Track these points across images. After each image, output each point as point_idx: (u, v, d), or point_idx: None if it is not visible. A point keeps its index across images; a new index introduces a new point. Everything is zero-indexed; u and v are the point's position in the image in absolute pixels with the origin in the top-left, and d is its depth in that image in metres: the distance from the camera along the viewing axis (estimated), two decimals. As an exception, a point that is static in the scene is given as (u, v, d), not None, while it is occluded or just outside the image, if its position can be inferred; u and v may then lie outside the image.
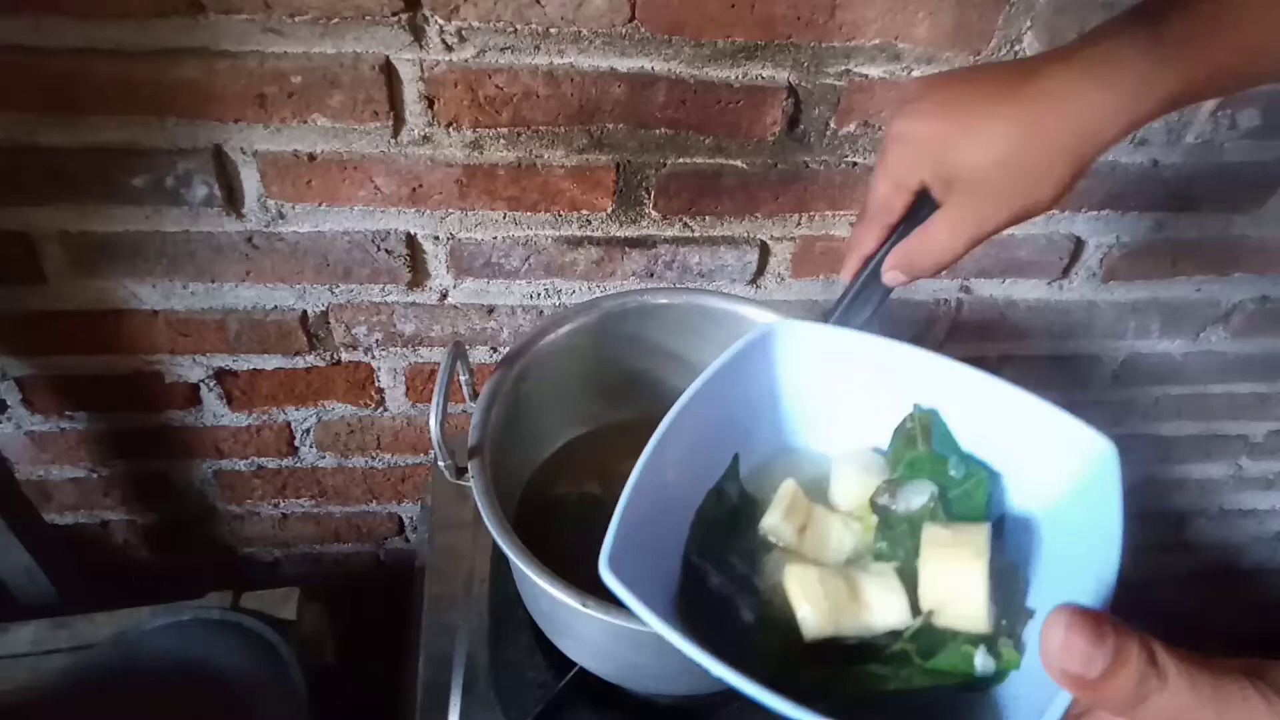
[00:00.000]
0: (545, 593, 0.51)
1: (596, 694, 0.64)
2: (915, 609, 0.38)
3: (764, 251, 0.82)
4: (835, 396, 0.46)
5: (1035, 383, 0.40)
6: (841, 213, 0.79)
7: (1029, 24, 0.69)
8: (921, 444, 0.43)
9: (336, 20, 0.63)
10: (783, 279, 0.84)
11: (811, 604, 0.38)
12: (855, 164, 0.76)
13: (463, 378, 0.64)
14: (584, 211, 0.77)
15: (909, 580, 0.39)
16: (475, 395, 0.63)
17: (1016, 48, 0.70)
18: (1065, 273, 0.88)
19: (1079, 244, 0.85)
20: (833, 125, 0.73)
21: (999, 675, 0.36)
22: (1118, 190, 0.81)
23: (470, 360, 0.84)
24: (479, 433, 0.59)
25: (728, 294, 0.69)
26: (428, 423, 0.55)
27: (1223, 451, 1.12)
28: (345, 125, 0.69)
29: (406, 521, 1.05)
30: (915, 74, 0.71)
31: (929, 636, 0.37)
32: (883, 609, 0.38)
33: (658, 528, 0.41)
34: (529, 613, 0.65)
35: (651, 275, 0.82)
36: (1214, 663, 0.27)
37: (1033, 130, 0.42)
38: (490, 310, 0.83)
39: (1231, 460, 1.13)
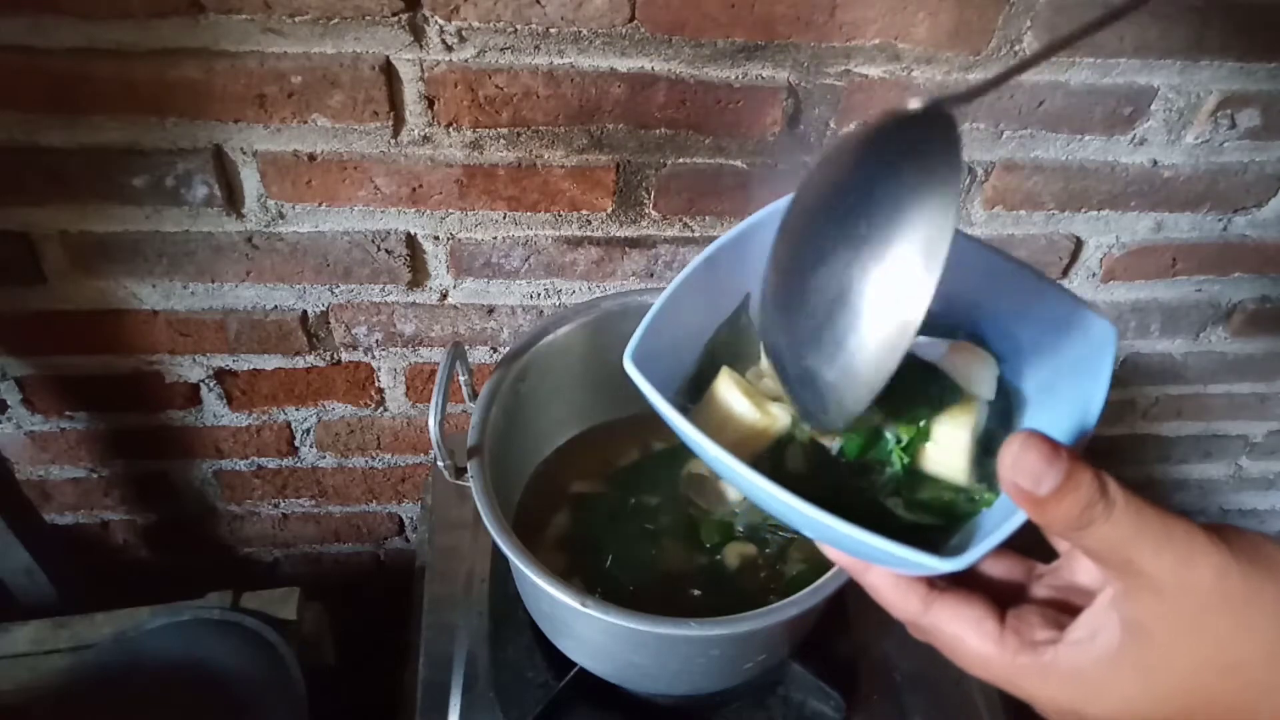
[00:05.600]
0: (545, 593, 0.51)
1: (596, 694, 0.64)
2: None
3: (764, 251, 0.82)
4: None
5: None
6: (841, 213, 0.79)
7: (1029, 24, 0.68)
8: None
9: (336, 20, 0.63)
10: (783, 279, 0.84)
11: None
12: (855, 164, 0.76)
13: (462, 378, 0.64)
14: (584, 211, 0.77)
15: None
16: (475, 395, 0.63)
17: (1016, 48, 0.70)
18: (1065, 273, 0.88)
19: (1079, 244, 0.85)
20: (833, 125, 0.73)
21: (971, 513, 0.39)
22: (1118, 190, 0.81)
23: (470, 360, 0.84)
24: (478, 433, 0.59)
25: (728, 294, 0.69)
26: (427, 423, 0.55)
27: (1223, 451, 1.12)
28: (345, 125, 0.69)
29: (406, 521, 1.05)
30: (915, 74, 0.71)
31: (916, 479, 0.40)
32: None
33: (670, 351, 0.43)
34: (529, 613, 0.65)
35: (651, 275, 0.82)
36: (1165, 508, 0.28)
37: None
38: (490, 310, 0.83)
39: (1231, 460, 1.13)
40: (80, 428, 0.88)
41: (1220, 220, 0.86)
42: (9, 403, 0.85)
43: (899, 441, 0.40)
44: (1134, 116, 0.76)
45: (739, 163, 0.75)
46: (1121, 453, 1.09)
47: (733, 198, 0.77)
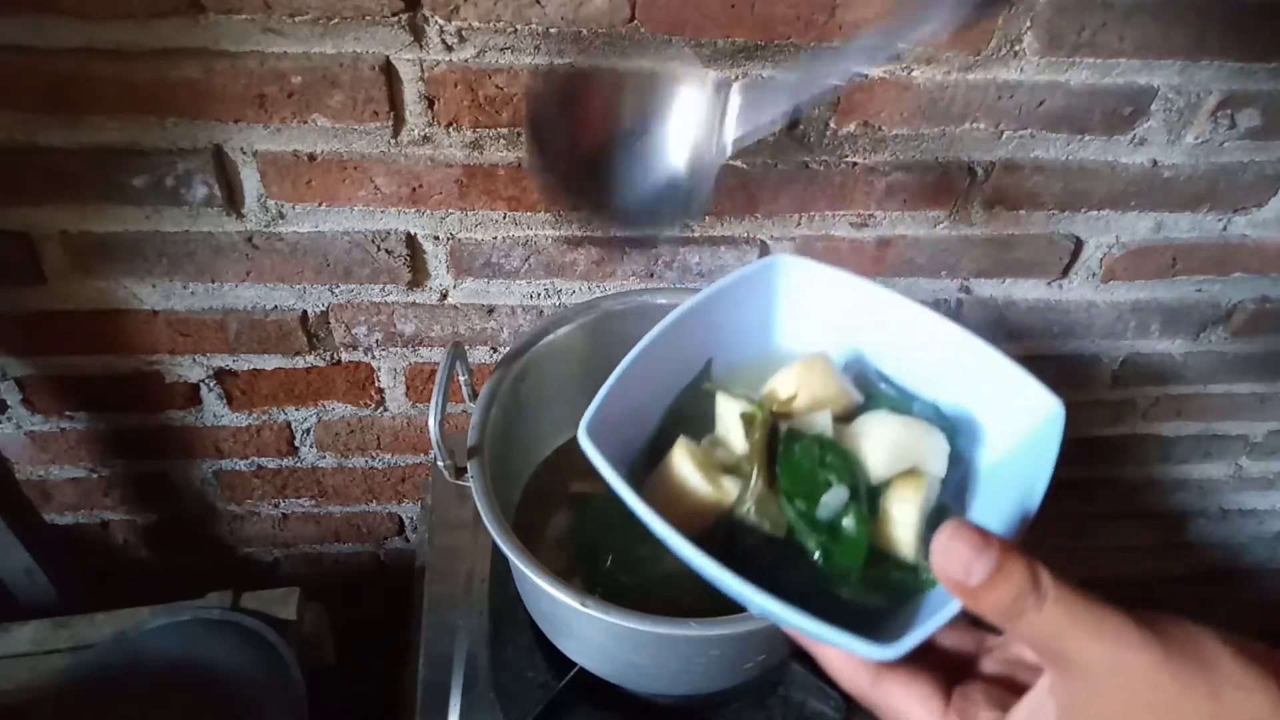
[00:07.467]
0: (545, 593, 0.51)
1: (596, 694, 0.64)
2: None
3: (763, 251, 0.82)
4: (814, 327, 0.47)
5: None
6: (841, 212, 0.79)
7: (1029, 24, 0.69)
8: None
9: (336, 20, 0.63)
10: (783, 279, 0.84)
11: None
12: (855, 164, 0.76)
13: (462, 378, 0.64)
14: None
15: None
16: (475, 395, 0.63)
17: (1016, 48, 0.70)
18: (1065, 273, 0.88)
19: (1079, 244, 0.85)
20: (833, 125, 0.73)
21: (919, 591, 0.39)
22: (1118, 190, 0.81)
23: (470, 360, 0.84)
24: (478, 433, 0.59)
25: (728, 294, 0.69)
26: (428, 423, 0.55)
27: (1223, 451, 1.12)
28: (345, 125, 0.69)
29: (406, 521, 1.05)
30: (915, 75, 0.71)
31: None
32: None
33: (631, 416, 0.44)
34: (529, 613, 0.65)
35: (651, 275, 0.82)
36: (1100, 598, 0.29)
37: None
38: (490, 310, 0.83)
39: (1231, 460, 1.13)
40: (80, 428, 0.88)
41: (1220, 220, 0.86)
42: (9, 403, 0.85)
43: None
44: (1134, 116, 0.76)
45: (739, 163, 0.75)
46: (1121, 453, 1.09)
47: (732, 198, 0.77)
